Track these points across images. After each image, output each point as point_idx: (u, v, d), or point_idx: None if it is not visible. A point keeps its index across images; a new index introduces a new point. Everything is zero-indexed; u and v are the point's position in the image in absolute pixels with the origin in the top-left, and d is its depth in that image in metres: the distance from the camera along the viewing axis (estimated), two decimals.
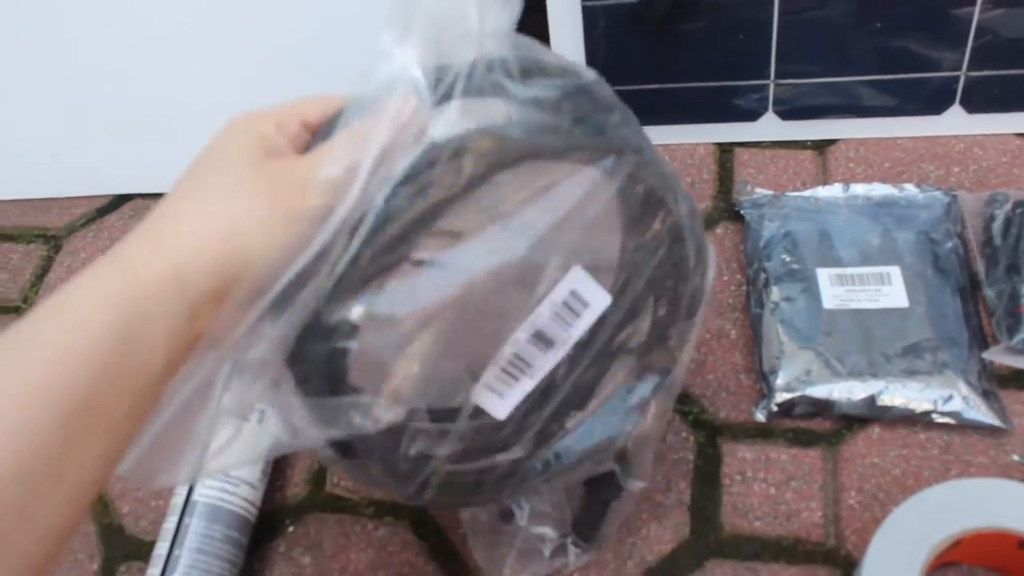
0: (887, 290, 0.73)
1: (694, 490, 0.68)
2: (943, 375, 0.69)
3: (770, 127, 0.86)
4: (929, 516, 0.60)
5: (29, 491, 0.33)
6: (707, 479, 0.68)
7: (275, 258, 0.39)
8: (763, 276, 0.75)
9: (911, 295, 0.73)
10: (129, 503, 0.70)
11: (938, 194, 0.80)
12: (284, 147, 0.43)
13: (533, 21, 0.81)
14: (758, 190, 0.81)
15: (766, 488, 0.68)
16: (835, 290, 0.73)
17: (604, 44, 0.82)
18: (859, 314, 0.72)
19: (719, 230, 0.81)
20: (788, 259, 0.75)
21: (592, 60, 0.83)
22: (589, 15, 0.80)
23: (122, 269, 0.38)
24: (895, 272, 0.74)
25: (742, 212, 0.80)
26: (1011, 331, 0.70)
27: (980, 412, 0.68)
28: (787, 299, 0.73)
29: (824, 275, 0.74)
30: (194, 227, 0.39)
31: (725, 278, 0.78)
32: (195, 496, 0.63)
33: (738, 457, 0.69)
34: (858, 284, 0.74)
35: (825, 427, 0.70)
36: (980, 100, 0.85)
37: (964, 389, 0.68)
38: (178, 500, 0.64)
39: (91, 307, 0.36)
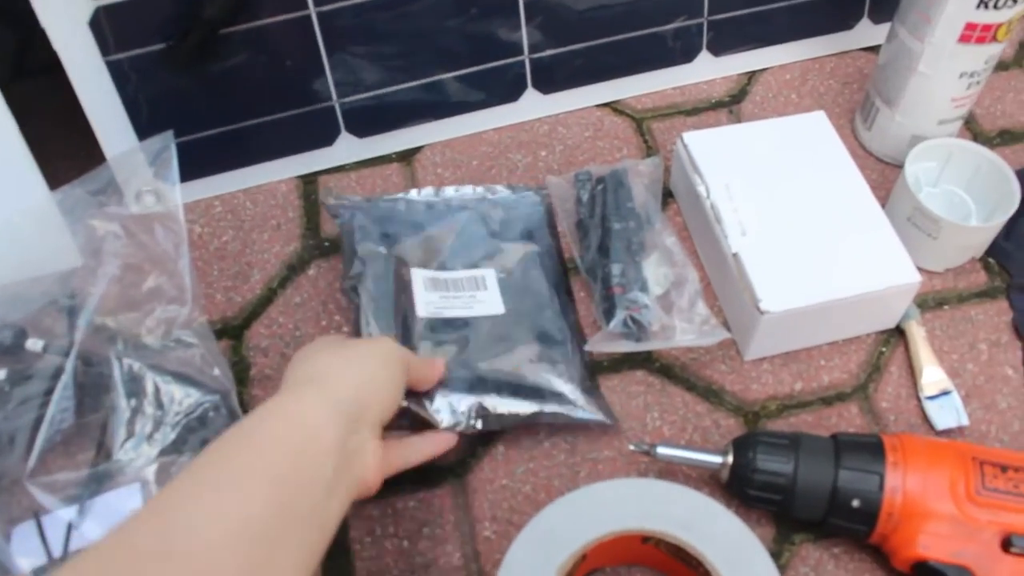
0: (483, 296, 0.70)
1: (324, 564, 0.62)
2: (545, 377, 0.66)
3: (348, 148, 0.81)
4: (546, 539, 0.57)
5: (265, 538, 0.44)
6: (336, 548, 0.63)
7: (387, 401, 0.56)
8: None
9: (507, 299, 0.70)
10: None
11: (530, 194, 0.78)
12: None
13: (52, 84, 0.72)
14: (349, 197, 0.76)
15: (399, 543, 0.63)
16: (430, 296, 0.69)
17: (144, 98, 0.74)
18: (456, 324, 0.68)
19: (311, 271, 0.75)
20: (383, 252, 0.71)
21: (137, 118, 0.74)
22: (116, 70, 0.72)
23: (297, 409, 0.51)
24: (490, 276, 0.71)
25: (335, 218, 0.74)
26: (608, 316, 0.69)
27: (586, 411, 0.66)
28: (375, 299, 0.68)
29: (419, 277, 0.70)
30: (346, 378, 0.54)
31: (323, 322, 0.72)
32: None
33: (364, 516, 0.64)
34: (453, 290, 0.70)
35: (449, 459, 0.66)
36: (552, 79, 0.84)
37: (568, 389, 0.66)
38: None
39: (284, 428, 0.49)
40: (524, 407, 0.65)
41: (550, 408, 0.65)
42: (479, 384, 0.65)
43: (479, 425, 0.64)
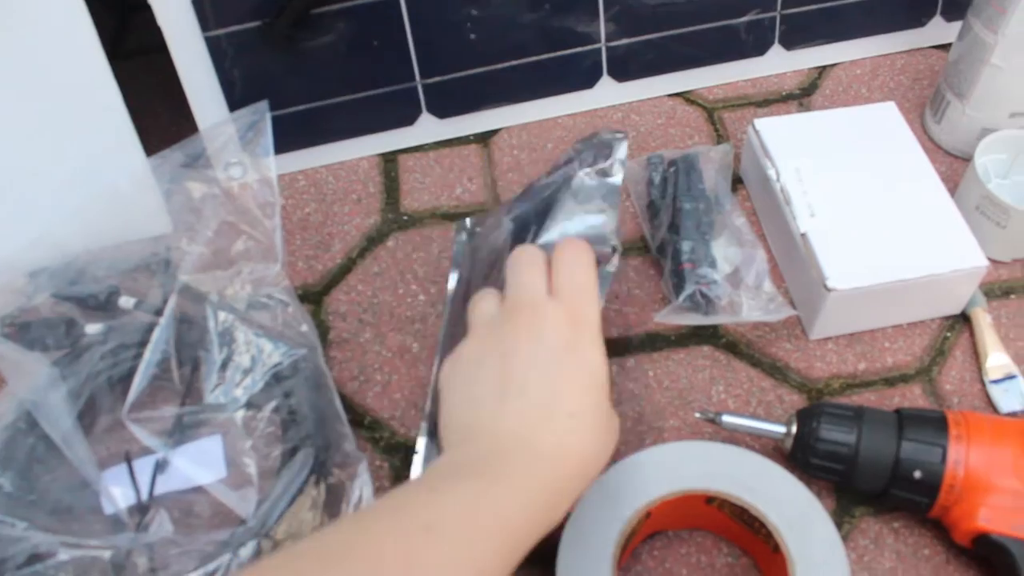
0: None
1: None
2: None
3: (429, 128, 0.84)
4: (612, 497, 0.59)
5: None
6: None
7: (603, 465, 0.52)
8: None
9: None
10: None
11: None
12: None
13: (158, 61, 0.76)
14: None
15: None
16: None
17: (238, 73, 0.78)
18: None
19: (390, 243, 0.78)
20: None
21: (230, 92, 0.78)
22: (214, 45, 0.76)
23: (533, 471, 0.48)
24: None
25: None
26: (677, 290, 0.70)
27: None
28: None
29: None
30: (579, 454, 0.50)
31: (400, 291, 0.75)
32: None
33: None
34: None
35: None
36: (627, 68, 0.86)
37: None
38: None
39: (514, 490, 0.47)
40: None
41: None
42: None
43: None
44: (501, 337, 0.53)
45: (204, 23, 0.75)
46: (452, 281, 0.74)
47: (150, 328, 0.68)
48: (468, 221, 0.77)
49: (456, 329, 0.66)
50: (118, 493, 0.64)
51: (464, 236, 0.77)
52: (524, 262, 0.56)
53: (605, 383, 0.52)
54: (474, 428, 0.51)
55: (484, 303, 0.56)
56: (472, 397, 0.52)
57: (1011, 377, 0.68)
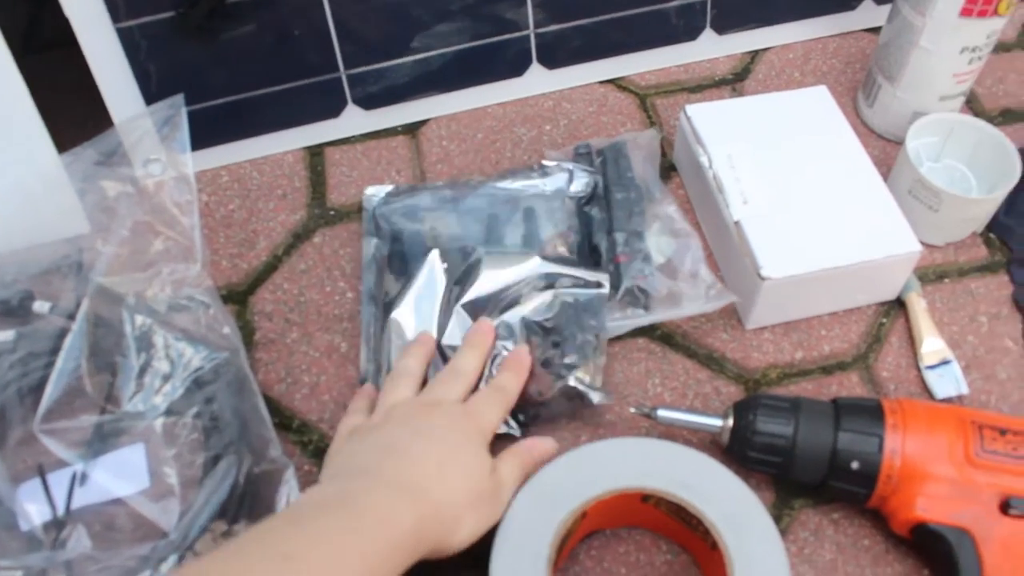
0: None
1: None
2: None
3: (355, 120, 0.82)
4: (546, 497, 0.57)
5: None
6: None
7: (470, 534, 0.54)
8: None
9: None
10: None
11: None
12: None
13: (74, 54, 0.72)
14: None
15: None
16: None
17: (154, 66, 0.74)
18: None
19: (317, 239, 0.76)
20: None
21: (146, 86, 0.75)
22: (127, 37, 0.73)
23: (387, 517, 0.50)
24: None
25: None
26: (615, 286, 0.69)
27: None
28: None
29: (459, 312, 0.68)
30: (441, 503, 0.53)
31: (328, 289, 0.73)
32: None
33: None
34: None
35: None
36: (556, 55, 0.85)
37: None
38: None
39: (377, 523, 0.50)
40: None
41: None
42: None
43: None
44: (403, 420, 0.58)
45: (115, 14, 0.71)
46: (369, 247, 0.73)
47: (63, 334, 0.65)
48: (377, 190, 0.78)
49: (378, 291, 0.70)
50: (33, 509, 0.61)
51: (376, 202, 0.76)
52: (455, 370, 0.63)
53: (484, 478, 0.56)
54: (350, 469, 0.55)
55: (398, 391, 0.61)
56: (358, 452, 0.57)
57: (946, 362, 0.68)
